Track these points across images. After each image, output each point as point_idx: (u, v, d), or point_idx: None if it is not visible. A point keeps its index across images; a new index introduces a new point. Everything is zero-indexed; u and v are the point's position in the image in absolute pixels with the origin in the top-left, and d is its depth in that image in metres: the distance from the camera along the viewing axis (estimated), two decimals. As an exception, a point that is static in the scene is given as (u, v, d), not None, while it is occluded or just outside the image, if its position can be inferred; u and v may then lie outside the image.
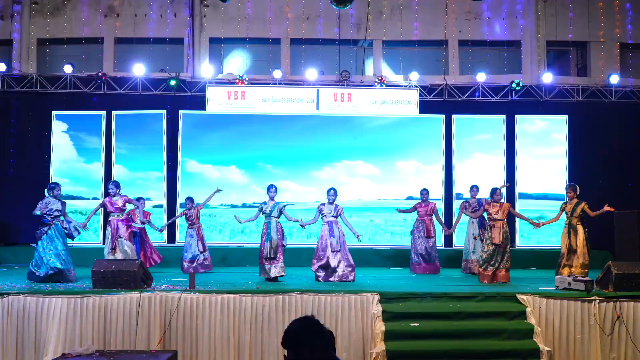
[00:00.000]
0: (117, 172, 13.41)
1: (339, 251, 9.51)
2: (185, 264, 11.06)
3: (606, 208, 9.61)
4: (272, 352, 7.70)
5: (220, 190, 11.13)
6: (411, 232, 11.52)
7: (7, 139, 13.70)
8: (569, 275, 8.67)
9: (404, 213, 11.67)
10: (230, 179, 13.52)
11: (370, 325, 7.74)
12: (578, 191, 9.71)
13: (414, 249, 11.31)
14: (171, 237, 13.24)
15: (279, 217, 9.70)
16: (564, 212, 9.77)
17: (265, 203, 9.79)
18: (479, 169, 13.46)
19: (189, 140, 13.57)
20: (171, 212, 13.32)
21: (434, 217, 11.41)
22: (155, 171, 13.53)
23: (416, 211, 11.44)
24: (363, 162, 13.65)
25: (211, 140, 13.65)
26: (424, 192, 11.47)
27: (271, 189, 9.82)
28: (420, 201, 11.49)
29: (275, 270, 9.40)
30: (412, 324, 7.64)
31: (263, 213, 9.76)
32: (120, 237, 9.70)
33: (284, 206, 9.76)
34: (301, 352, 3.29)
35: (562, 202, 10.05)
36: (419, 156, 13.70)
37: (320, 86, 13.54)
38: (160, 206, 13.35)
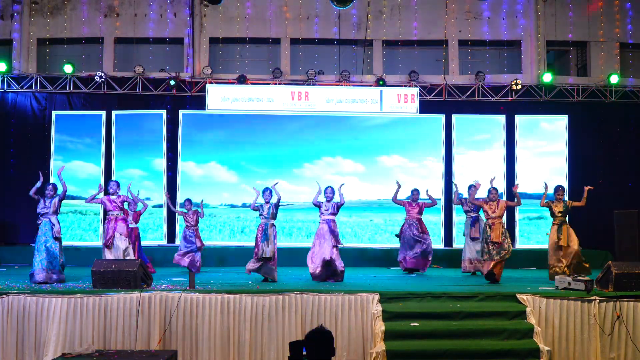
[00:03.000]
0: (100, 171, 13.44)
1: (335, 247, 9.55)
2: (177, 256, 10.96)
3: (586, 189, 10.01)
4: (272, 352, 7.70)
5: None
6: (397, 235, 11.29)
7: (7, 138, 13.70)
8: (569, 275, 8.69)
9: (396, 202, 11.27)
10: (217, 178, 13.52)
11: (370, 325, 7.75)
12: None
13: (404, 247, 11.10)
14: (171, 237, 13.24)
15: (275, 218, 9.71)
16: (553, 212, 10.04)
17: (262, 205, 9.79)
18: (479, 168, 13.43)
19: (182, 139, 13.60)
20: (171, 212, 13.31)
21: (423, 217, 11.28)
22: (138, 169, 13.51)
23: (405, 210, 11.27)
24: (359, 162, 13.67)
25: (201, 140, 13.63)
26: (415, 192, 11.32)
27: (266, 192, 9.77)
28: (410, 200, 11.33)
29: (267, 270, 9.43)
30: (412, 324, 7.65)
31: (260, 215, 9.77)
32: (120, 234, 9.72)
33: (278, 199, 9.72)
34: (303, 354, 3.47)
35: (549, 200, 10.12)
36: (419, 156, 13.69)
37: (386, 86, 13.58)
38: (160, 205, 13.36)
